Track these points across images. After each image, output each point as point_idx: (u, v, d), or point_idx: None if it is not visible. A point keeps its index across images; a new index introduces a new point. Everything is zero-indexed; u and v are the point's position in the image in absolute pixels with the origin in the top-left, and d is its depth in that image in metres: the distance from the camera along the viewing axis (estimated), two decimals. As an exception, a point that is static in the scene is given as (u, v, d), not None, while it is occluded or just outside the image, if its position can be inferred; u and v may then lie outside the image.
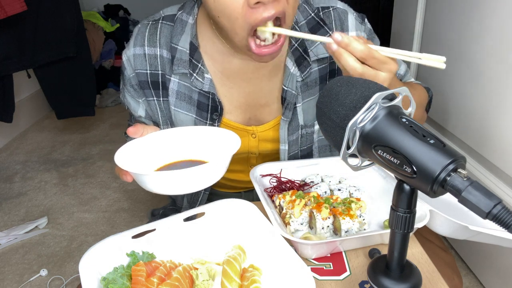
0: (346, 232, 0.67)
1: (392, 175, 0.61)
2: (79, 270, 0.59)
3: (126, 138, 0.99)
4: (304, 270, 0.56)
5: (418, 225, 0.63)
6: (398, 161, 0.41)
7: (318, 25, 0.82)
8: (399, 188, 0.44)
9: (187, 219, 0.71)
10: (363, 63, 0.64)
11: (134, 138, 0.65)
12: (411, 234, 0.59)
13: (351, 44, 0.62)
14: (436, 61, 0.62)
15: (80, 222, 1.88)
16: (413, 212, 0.45)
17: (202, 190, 0.93)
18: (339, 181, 0.80)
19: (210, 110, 0.82)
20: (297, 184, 0.80)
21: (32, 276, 1.58)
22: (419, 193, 0.43)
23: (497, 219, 0.36)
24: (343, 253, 0.67)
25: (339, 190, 0.77)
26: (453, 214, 0.64)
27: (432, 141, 0.40)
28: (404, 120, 0.42)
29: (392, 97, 0.44)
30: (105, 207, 1.98)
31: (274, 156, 0.91)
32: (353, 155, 0.45)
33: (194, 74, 0.80)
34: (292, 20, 0.70)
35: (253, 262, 0.63)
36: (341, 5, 0.84)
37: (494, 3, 1.22)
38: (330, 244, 0.65)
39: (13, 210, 1.98)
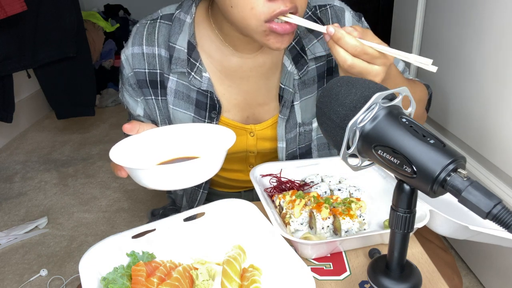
0: (346, 232, 0.67)
1: (392, 175, 0.62)
2: (79, 270, 0.59)
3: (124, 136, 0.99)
4: (304, 270, 0.56)
5: (418, 225, 0.63)
6: (398, 161, 0.41)
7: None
8: (399, 188, 0.44)
9: (187, 219, 0.71)
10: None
11: (130, 135, 0.66)
12: (411, 234, 0.59)
13: (342, 39, 0.62)
14: (423, 64, 0.62)
15: (80, 222, 1.88)
16: (413, 212, 0.45)
17: (200, 189, 0.93)
18: (339, 181, 0.80)
19: (208, 109, 0.82)
20: (297, 184, 0.80)
21: (32, 276, 1.58)
22: (419, 193, 0.43)
23: (497, 219, 0.36)
24: (343, 253, 0.67)
25: (339, 190, 0.77)
26: (453, 214, 0.64)
27: (432, 141, 0.40)
28: (404, 120, 0.42)
29: (392, 97, 0.44)
30: (105, 207, 1.98)
31: (272, 155, 0.91)
32: (353, 155, 0.45)
33: (192, 73, 0.80)
34: (302, 15, 0.71)
35: (253, 262, 0.63)
36: (338, 3, 0.85)
37: (494, 3, 1.22)
38: (330, 244, 0.65)
39: (13, 210, 1.98)
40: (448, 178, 0.38)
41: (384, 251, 0.51)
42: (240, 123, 0.86)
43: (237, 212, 0.71)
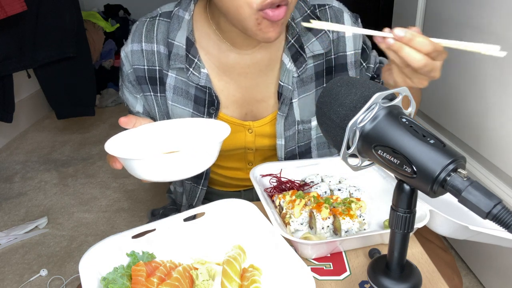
0: (346, 232, 0.67)
1: (392, 175, 0.61)
2: (79, 270, 0.59)
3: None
4: (304, 270, 0.56)
5: (418, 225, 0.63)
6: (398, 161, 0.41)
7: None
8: (399, 188, 0.44)
9: (187, 219, 0.71)
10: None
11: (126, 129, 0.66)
12: (411, 234, 0.59)
13: (414, 39, 0.62)
14: (492, 51, 0.61)
15: (80, 222, 1.88)
16: (413, 212, 0.45)
17: (199, 186, 0.94)
18: (339, 181, 0.80)
19: (207, 105, 0.83)
20: (297, 184, 0.80)
21: (32, 276, 1.58)
22: (419, 193, 0.43)
23: (497, 219, 0.36)
24: (343, 253, 0.67)
25: (339, 190, 0.77)
26: (453, 214, 0.64)
27: (432, 141, 0.40)
28: (404, 120, 0.42)
29: (392, 97, 0.44)
30: (105, 207, 1.98)
31: (271, 153, 0.92)
32: (353, 155, 0.45)
33: (191, 69, 0.81)
34: (292, 10, 0.72)
35: (253, 262, 0.63)
36: (337, 4, 0.86)
37: (494, 3, 1.22)
38: (330, 244, 0.65)
39: (13, 210, 1.98)
40: (448, 178, 0.38)
41: (384, 251, 0.51)
42: (238, 120, 0.86)
43: (237, 212, 0.71)
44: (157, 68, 0.83)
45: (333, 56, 0.85)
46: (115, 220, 1.88)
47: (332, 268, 0.64)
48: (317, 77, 0.86)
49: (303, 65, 0.83)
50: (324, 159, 0.86)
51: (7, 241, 1.75)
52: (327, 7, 0.84)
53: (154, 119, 0.88)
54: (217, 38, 0.81)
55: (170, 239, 0.68)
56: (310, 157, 0.92)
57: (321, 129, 0.49)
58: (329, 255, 0.67)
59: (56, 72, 2.23)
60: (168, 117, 0.86)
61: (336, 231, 0.69)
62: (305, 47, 0.83)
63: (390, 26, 2.15)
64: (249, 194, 1.02)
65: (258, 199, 0.73)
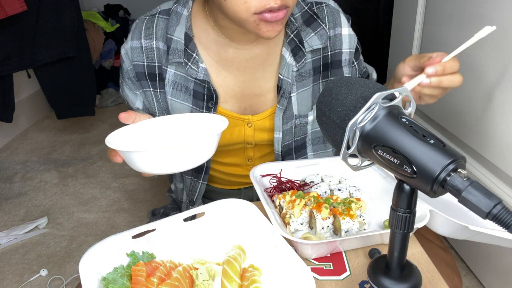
0: (346, 232, 0.67)
1: (392, 175, 0.62)
2: (79, 270, 0.59)
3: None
4: (304, 270, 0.56)
5: (418, 225, 0.63)
6: (398, 161, 0.41)
7: (311, 18, 0.85)
8: (399, 188, 0.44)
9: (187, 219, 0.71)
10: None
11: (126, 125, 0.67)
12: (411, 234, 0.59)
13: (446, 67, 0.67)
14: (486, 33, 0.65)
15: (80, 222, 1.88)
16: (413, 212, 0.45)
17: (200, 181, 0.94)
18: (339, 181, 0.80)
19: (205, 99, 0.84)
20: (297, 184, 0.80)
21: (32, 276, 1.58)
22: (419, 193, 0.43)
23: (497, 219, 0.36)
24: (343, 253, 0.67)
25: (339, 190, 0.77)
26: (453, 214, 0.64)
27: (432, 141, 0.40)
28: (404, 120, 0.42)
29: (392, 97, 0.44)
30: (105, 207, 1.98)
31: (270, 148, 0.92)
32: (353, 155, 0.45)
33: (189, 63, 0.82)
34: (290, 13, 0.73)
35: (253, 262, 0.63)
36: (333, 3, 0.88)
37: (494, 3, 1.22)
38: (330, 244, 0.65)
39: (13, 210, 1.98)
40: (448, 178, 0.38)
41: (384, 251, 0.52)
42: (237, 114, 0.87)
43: (237, 212, 0.71)
44: (156, 64, 0.84)
45: (329, 53, 0.87)
46: (115, 220, 1.88)
47: (332, 268, 0.64)
48: (314, 72, 0.87)
49: (302, 60, 0.84)
50: (324, 159, 0.86)
51: (7, 241, 1.75)
52: (324, 5, 0.87)
53: (154, 115, 0.88)
54: (216, 34, 0.82)
55: (170, 239, 0.68)
56: (306, 151, 0.94)
57: (321, 129, 0.49)
58: (329, 255, 0.67)
59: (56, 72, 2.23)
60: (168, 113, 0.87)
61: (336, 231, 0.69)
62: (304, 41, 0.84)
63: (390, 26, 2.15)
64: (249, 192, 1.03)
65: (258, 198, 0.73)
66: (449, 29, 1.49)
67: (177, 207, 1.05)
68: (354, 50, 0.89)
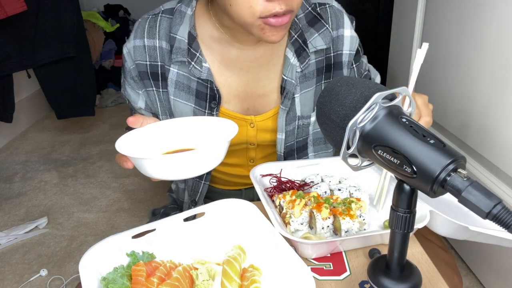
0: (346, 232, 0.67)
1: (392, 175, 0.61)
2: (79, 270, 0.59)
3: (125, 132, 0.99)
4: (304, 270, 0.56)
5: (418, 225, 0.63)
6: (398, 161, 0.41)
7: (315, 19, 0.85)
8: (399, 188, 0.44)
9: (187, 219, 0.71)
10: None
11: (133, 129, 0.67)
12: (411, 234, 0.59)
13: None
14: (422, 53, 0.65)
15: (80, 222, 1.88)
16: (413, 212, 0.45)
17: (202, 181, 0.94)
18: (339, 181, 0.80)
19: (208, 99, 0.84)
20: (297, 184, 0.80)
21: (32, 276, 1.58)
22: (419, 193, 0.43)
23: (497, 219, 0.36)
24: (343, 253, 0.67)
25: (339, 190, 0.77)
26: (453, 214, 0.64)
27: (432, 141, 0.40)
28: (404, 120, 0.42)
29: (392, 97, 0.44)
30: (105, 207, 1.98)
31: (272, 149, 0.92)
32: (353, 155, 0.45)
33: (192, 63, 0.81)
34: (296, 13, 0.74)
35: (253, 262, 0.63)
36: (336, 4, 0.88)
37: (494, 3, 1.22)
38: (330, 244, 0.65)
39: (13, 210, 1.98)
40: (448, 178, 0.38)
41: (384, 251, 0.51)
42: (240, 114, 0.87)
43: (237, 212, 0.71)
44: (159, 63, 0.83)
45: (332, 54, 0.87)
46: (115, 220, 1.88)
47: (332, 268, 0.64)
48: (318, 73, 0.87)
49: (306, 60, 0.84)
50: (324, 159, 0.86)
51: (7, 241, 1.75)
52: (327, 6, 0.86)
53: (157, 115, 0.88)
54: (219, 33, 0.82)
55: (170, 239, 0.68)
56: (307, 152, 0.94)
57: (321, 129, 0.49)
58: (329, 255, 0.67)
59: (56, 72, 2.23)
60: (170, 112, 0.87)
61: (336, 231, 0.69)
62: (308, 42, 0.84)
63: (390, 26, 2.15)
64: (250, 193, 1.03)
65: (259, 198, 0.73)
66: (449, 29, 1.49)
67: (177, 207, 1.05)
68: (354, 52, 0.88)
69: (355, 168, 0.46)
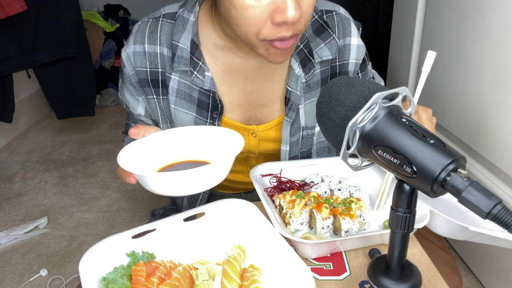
0: (346, 232, 0.67)
1: (392, 175, 0.61)
2: (79, 270, 0.59)
3: (123, 137, 0.98)
4: (304, 270, 0.56)
5: (418, 225, 0.63)
6: (398, 161, 0.41)
7: (322, 28, 0.83)
8: (399, 188, 0.44)
9: (187, 219, 0.71)
10: None
11: (134, 139, 0.65)
12: (411, 234, 0.59)
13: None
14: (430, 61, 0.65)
15: (80, 222, 1.88)
16: (413, 212, 0.45)
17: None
18: (339, 181, 0.80)
19: (210, 109, 0.82)
20: (297, 184, 0.80)
21: (32, 276, 1.58)
22: (419, 193, 0.43)
23: (497, 219, 0.36)
24: (343, 253, 0.67)
25: (339, 190, 0.77)
26: (453, 214, 0.64)
27: (432, 141, 0.40)
28: (404, 120, 0.42)
29: (392, 97, 0.44)
30: (105, 207, 1.98)
31: (274, 158, 0.91)
32: (353, 155, 0.45)
33: (195, 72, 0.79)
34: (301, 35, 0.72)
35: (253, 262, 0.63)
36: (343, 11, 0.86)
37: (494, 3, 1.22)
38: (330, 244, 0.65)
39: (13, 210, 1.98)
40: (448, 178, 0.38)
41: (384, 251, 0.52)
42: (242, 124, 0.85)
43: (237, 212, 0.71)
44: (159, 70, 0.81)
45: (338, 63, 0.85)
46: (115, 220, 1.88)
47: (332, 268, 0.64)
48: (322, 83, 0.85)
49: (312, 71, 0.82)
50: (324, 159, 0.86)
51: (7, 241, 1.75)
52: (334, 13, 0.84)
53: (157, 122, 0.87)
54: (223, 42, 0.79)
55: (170, 239, 0.68)
56: None
57: (321, 129, 0.49)
58: (329, 255, 0.67)
59: (56, 72, 2.23)
60: (171, 121, 0.85)
61: (336, 231, 0.69)
62: (314, 52, 0.82)
63: (390, 26, 2.15)
64: (249, 196, 1.02)
65: (258, 201, 0.73)
66: (449, 29, 1.49)
67: (176, 208, 1.04)
68: (360, 61, 0.86)
69: (355, 168, 0.46)
